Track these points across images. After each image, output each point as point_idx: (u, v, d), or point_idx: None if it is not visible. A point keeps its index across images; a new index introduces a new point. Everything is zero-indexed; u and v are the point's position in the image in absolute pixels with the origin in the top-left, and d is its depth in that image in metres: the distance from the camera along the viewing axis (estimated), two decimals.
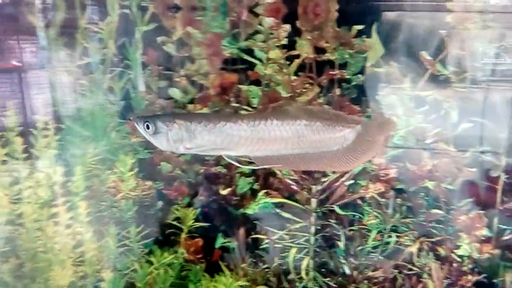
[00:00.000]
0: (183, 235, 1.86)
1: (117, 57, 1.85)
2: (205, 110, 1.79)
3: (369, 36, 1.70)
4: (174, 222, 1.87)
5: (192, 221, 1.86)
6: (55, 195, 1.71)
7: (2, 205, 1.68)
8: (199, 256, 1.89)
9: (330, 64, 1.73)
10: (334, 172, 1.80)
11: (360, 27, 1.66)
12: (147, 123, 1.16)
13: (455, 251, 1.71)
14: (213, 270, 1.83)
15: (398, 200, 1.80)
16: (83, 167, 1.76)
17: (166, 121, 1.16)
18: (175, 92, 1.82)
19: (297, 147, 1.19)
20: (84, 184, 1.74)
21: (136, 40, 1.81)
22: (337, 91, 1.74)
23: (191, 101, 1.84)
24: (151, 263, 1.82)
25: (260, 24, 1.68)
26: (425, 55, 1.68)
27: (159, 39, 1.77)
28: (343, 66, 1.74)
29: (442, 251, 1.73)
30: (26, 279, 1.75)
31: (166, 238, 1.89)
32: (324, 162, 1.21)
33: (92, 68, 1.75)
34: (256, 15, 1.69)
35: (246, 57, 1.75)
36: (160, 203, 1.92)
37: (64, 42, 1.72)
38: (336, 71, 1.71)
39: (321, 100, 1.74)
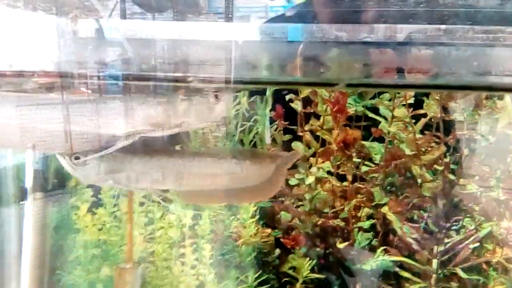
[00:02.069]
0: (298, 285, 1.90)
1: (248, 112, 1.98)
2: (327, 164, 1.85)
3: (500, 98, 1.67)
4: (290, 271, 1.91)
5: (308, 271, 1.89)
6: (183, 236, 1.86)
7: (137, 243, 1.84)
8: None
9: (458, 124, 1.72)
10: (458, 233, 1.75)
11: None
12: (77, 154, 1.16)
13: None
14: None
15: None
16: (210, 212, 1.88)
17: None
18: (298, 145, 1.91)
19: (226, 183, 1.26)
20: (209, 228, 1.88)
21: (267, 97, 1.93)
22: (465, 152, 1.71)
23: (313, 155, 1.91)
24: None
25: None
26: None
27: (287, 96, 1.88)
28: (472, 126, 1.72)
29: None
30: None
31: (281, 286, 1.94)
32: (245, 196, 1.35)
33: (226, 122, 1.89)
34: None
35: (371, 114, 1.79)
36: (277, 251, 1.97)
37: None
38: (465, 132, 1.70)
39: (447, 160, 1.72)
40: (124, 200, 1.87)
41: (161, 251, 1.90)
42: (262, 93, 1.94)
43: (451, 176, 1.77)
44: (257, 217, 1.93)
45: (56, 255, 1.92)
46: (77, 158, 1.18)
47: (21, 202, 1.74)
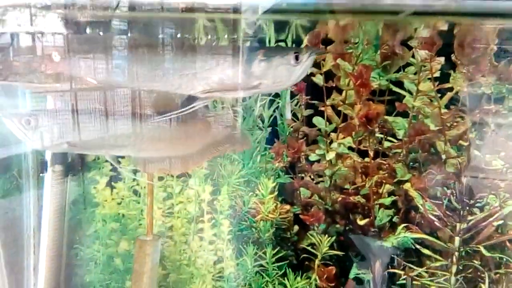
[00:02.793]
0: (317, 262, 1.89)
1: None
2: (348, 140, 1.82)
3: None
4: (309, 248, 1.90)
5: (327, 248, 1.88)
6: (202, 211, 1.85)
7: (156, 218, 1.84)
8: (332, 284, 1.90)
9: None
10: (481, 211, 1.72)
11: None
12: (28, 117, 1.13)
13: None
14: None
15: None
16: (228, 188, 1.87)
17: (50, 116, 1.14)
18: (319, 121, 1.88)
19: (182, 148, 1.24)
20: (228, 203, 1.87)
21: None
22: (491, 127, 1.67)
23: (335, 130, 1.88)
24: (284, 285, 1.87)
25: (413, 57, 1.68)
26: None
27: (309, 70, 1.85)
28: (499, 101, 1.68)
29: None
30: None
31: (300, 263, 1.93)
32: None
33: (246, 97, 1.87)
34: (409, 48, 1.70)
35: (395, 88, 1.76)
36: (296, 227, 1.97)
37: None
38: (492, 106, 1.66)
39: (472, 135, 1.68)
40: (144, 174, 1.86)
41: (179, 226, 1.90)
42: None
43: (476, 152, 1.73)
44: (276, 193, 1.91)
45: (74, 229, 1.92)
46: (28, 121, 1.15)
47: (40, 175, 1.74)
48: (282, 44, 1.79)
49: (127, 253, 1.88)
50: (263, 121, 1.98)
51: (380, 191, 1.84)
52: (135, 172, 1.84)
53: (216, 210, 1.86)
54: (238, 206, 1.94)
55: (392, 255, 1.85)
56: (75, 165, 1.86)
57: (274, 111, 1.97)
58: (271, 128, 2.03)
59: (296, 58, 1.19)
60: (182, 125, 1.33)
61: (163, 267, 1.89)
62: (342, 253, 1.90)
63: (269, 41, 1.75)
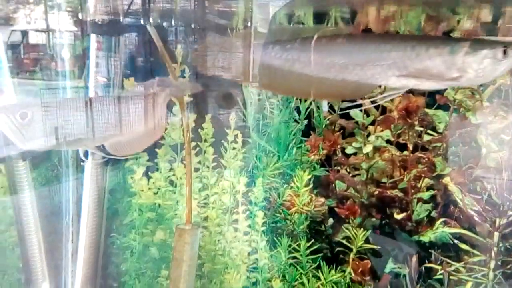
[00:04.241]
0: (352, 255, 1.88)
1: None
2: (386, 133, 1.80)
3: None
4: (344, 241, 1.89)
5: (362, 242, 1.86)
6: (237, 203, 1.86)
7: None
8: (367, 278, 1.89)
9: None
10: None
11: None
12: (24, 110, 1.06)
13: None
14: None
15: None
16: (263, 179, 1.89)
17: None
18: (357, 113, 1.87)
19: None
20: (263, 195, 1.88)
21: None
22: None
23: (373, 123, 1.86)
24: (318, 278, 1.87)
25: None
26: None
27: None
28: None
29: None
30: (204, 279, 1.89)
31: (334, 256, 1.93)
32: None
33: None
34: None
35: None
36: (331, 220, 1.98)
37: None
38: None
39: None
40: (180, 165, 1.88)
41: (214, 216, 1.90)
42: None
43: None
44: (311, 185, 1.91)
45: (111, 218, 1.95)
46: (24, 115, 1.08)
47: (81, 164, 1.76)
48: None
49: (162, 242, 1.90)
50: (299, 113, 1.98)
51: (419, 185, 1.83)
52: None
53: (250, 201, 1.87)
54: (272, 198, 1.95)
55: (430, 250, 1.83)
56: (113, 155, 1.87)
57: (310, 103, 1.97)
58: (307, 120, 2.03)
59: (504, 52, 1.12)
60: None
61: (199, 257, 1.90)
62: (378, 247, 1.88)
63: None
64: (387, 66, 1.19)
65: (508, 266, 1.73)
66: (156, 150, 1.89)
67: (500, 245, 1.72)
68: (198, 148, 1.87)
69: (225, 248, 1.89)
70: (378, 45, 1.22)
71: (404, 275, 1.85)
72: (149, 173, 1.91)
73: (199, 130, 1.85)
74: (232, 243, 1.88)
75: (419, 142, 1.83)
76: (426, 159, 1.80)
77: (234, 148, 1.87)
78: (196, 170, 1.91)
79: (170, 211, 1.91)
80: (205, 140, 1.88)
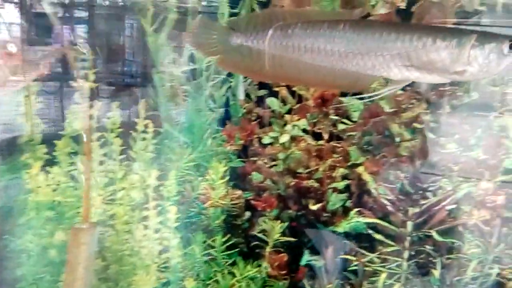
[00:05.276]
0: (268, 249, 1.83)
1: None
2: (303, 122, 1.76)
3: None
4: (260, 235, 1.84)
5: (279, 234, 1.82)
6: (147, 198, 1.74)
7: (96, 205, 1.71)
8: (283, 272, 1.86)
9: None
10: (434, 195, 1.70)
11: None
12: None
13: None
14: None
15: (504, 229, 1.67)
16: (177, 172, 1.79)
17: None
18: (273, 102, 1.82)
19: None
20: (176, 189, 1.77)
21: None
22: (447, 109, 1.65)
23: (289, 111, 1.81)
24: (234, 275, 1.81)
25: None
26: None
27: None
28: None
29: None
30: (110, 281, 1.77)
31: (250, 250, 1.89)
32: None
33: (196, 75, 1.77)
34: None
35: None
36: (247, 214, 1.92)
37: (173, 47, 1.75)
38: (447, 88, 1.63)
39: (427, 118, 1.65)
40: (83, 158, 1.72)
41: (122, 213, 1.77)
42: None
43: (431, 135, 1.71)
44: (227, 178, 1.84)
45: (4, 218, 1.76)
46: None
47: None
48: None
49: (63, 243, 1.73)
50: (214, 102, 1.90)
51: (334, 174, 1.81)
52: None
53: (162, 196, 1.76)
54: (186, 191, 1.86)
55: (344, 241, 1.82)
56: (5, 148, 1.69)
57: (226, 91, 1.91)
58: (223, 109, 1.96)
59: (510, 47, 1.10)
60: None
61: (103, 258, 1.77)
62: (294, 239, 1.84)
63: (223, 15, 1.67)
64: (390, 56, 1.16)
65: (421, 256, 1.75)
66: (55, 141, 1.73)
67: (413, 234, 1.73)
68: (103, 139, 1.73)
69: (133, 248, 1.77)
70: (382, 33, 1.17)
71: (320, 267, 1.82)
72: (47, 167, 1.74)
73: (105, 119, 1.72)
74: (142, 242, 1.76)
75: (334, 131, 1.81)
76: (341, 148, 1.78)
77: (144, 139, 1.76)
78: (101, 163, 1.77)
79: (72, 209, 1.75)
80: (112, 130, 1.74)
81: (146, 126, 1.74)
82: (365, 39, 1.19)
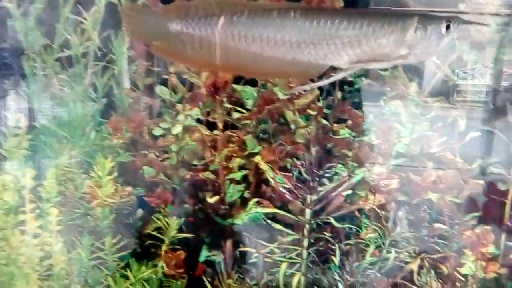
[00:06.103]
0: (164, 247, 1.77)
1: (101, 50, 1.75)
2: (195, 111, 1.68)
3: None
4: (155, 233, 1.77)
5: (175, 231, 1.75)
6: (23, 200, 1.63)
7: None
8: (181, 270, 1.79)
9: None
10: (331, 181, 1.71)
11: None
12: None
13: (458, 269, 1.65)
14: (195, 286, 1.76)
15: (399, 213, 1.71)
16: (56, 170, 1.68)
17: None
18: (163, 90, 1.73)
19: None
20: (56, 189, 1.66)
21: (123, 32, 1.72)
22: (339, 94, 1.66)
23: (180, 101, 1.72)
24: (126, 277, 1.72)
25: None
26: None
27: None
28: None
29: (444, 269, 1.68)
30: None
31: (145, 250, 1.80)
32: None
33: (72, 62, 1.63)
34: None
35: None
36: (140, 211, 1.83)
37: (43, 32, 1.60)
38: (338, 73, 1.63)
39: (320, 104, 1.64)
40: None
41: None
42: (117, 27, 1.69)
43: (324, 121, 1.71)
44: (115, 174, 1.72)
45: None
46: None
47: None
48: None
49: None
50: (96, 91, 1.78)
51: (230, 165, 1.77)
52: None
53: (41, 197, 1.64)
54: (69, 191, 1.73)
55: (244, 233, 1.77)
56: None
57: (109, 79, 1.78)
58: (106, 99, 1.83)
59: (447, 27, 1.13)
60: None
61: None
62: (192, 235, 1.77)
63: None
64: (342, 45, 1.17)
65: (321, 243, 1.75)
66: None
67: (312, 222, 1.73)
68: None
69: (9, 256, 1.63)
70: (334, 21, 1.17)
71: (219, 262, 1.77)
72: None
73: None
74: (19, 248, 1.63)
75: (229, 120, 1.76)
76: (237, 138, 1.74)
77: (16, 135, 1.64)
78: None
79: None
80: None
81: (18, 120, 1.63)
82: (317, 28, 1.18)
